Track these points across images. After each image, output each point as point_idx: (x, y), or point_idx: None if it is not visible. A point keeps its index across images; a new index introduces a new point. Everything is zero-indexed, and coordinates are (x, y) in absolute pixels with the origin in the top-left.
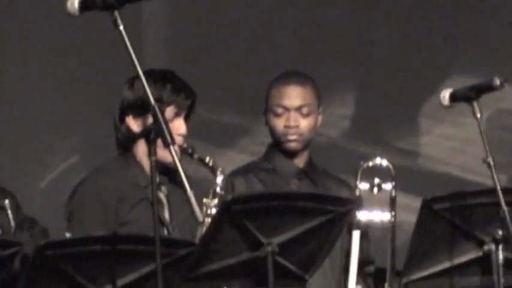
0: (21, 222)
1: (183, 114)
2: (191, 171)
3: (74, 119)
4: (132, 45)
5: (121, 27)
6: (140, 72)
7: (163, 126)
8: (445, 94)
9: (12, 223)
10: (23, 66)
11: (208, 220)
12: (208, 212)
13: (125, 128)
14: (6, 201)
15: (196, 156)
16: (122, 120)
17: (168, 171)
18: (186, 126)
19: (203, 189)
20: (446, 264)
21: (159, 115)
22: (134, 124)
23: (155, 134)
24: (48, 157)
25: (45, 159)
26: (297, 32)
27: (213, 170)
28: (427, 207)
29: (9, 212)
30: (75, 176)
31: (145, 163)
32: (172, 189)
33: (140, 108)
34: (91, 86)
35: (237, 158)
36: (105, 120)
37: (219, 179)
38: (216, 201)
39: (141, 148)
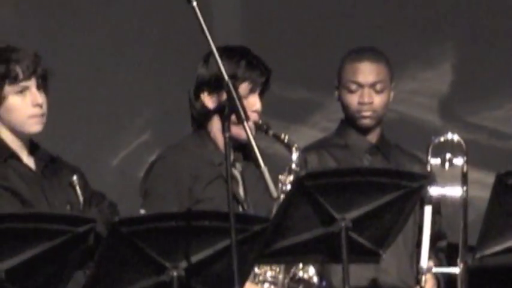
0: (90, 198)
1: (258, 90)
2: (266, 147)
3: (147, 96)
4: (204, 22)
5: (194, 3)
6: (214, 49)
7: (237, 102)
8: None
9: (81, 199)
10: (93, 42)
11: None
12: (284, 188)
13: (199, 104)
14: (74, 177)
15: (271, 132)
16: (197, 96)
17: (242, 148)
18: (260, 102)
19: (278, 166)
20: None
21: (233, 91)
22: (209, 101)
23: (229, 110)
24: (120, 134)
25: (117, 136)
26: (368, 7)
27: (288, 147)
28: (501, 182)
29: (77, 188)
30: (148, 153)
31: (220, 140)
32: (246, 166)
33: (215, 84)
34: (164, 63)
35: (309, 134)
36: (177, 96)
37: (295, 156)
38: (291, 177)
39: (215, 125)
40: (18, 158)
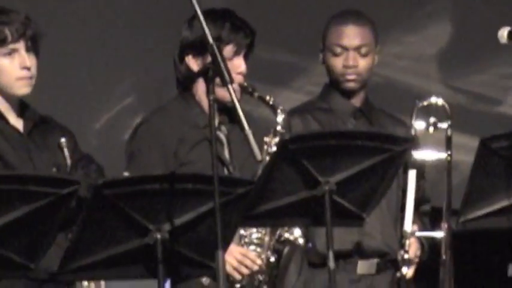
0: (77, 161)
1: (243, 52)
2: (250, 110)
3: (131, 60)
4: None
5: None
6: (198, 11)
7: (222, 64)
8: (503, 32)
9: (69, 162)
10: (78, 6)
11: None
12: (269, 150)
13: (184, 67)
14: (63, 139)
15: (256, 94)
16: (182, 59)
17: (228, 111)
18: (245, 64)
19: (262, 128)
20: (504, 203)
21: (217, 53)
22: (194, 63)
23: (213, 72)
24: (104, 98)
25: (101, 99)
26: None
27: (273, 109)
28: (485, 146)
29: (65, 150)
30: (131, 116)
31: (205, 103)
32: (232, 129)
33: (200, 47)
34: (148, 26)
35: (293, 98)
36: (162, 60)
37: (280, 118)
38: (276, 139)
39: (200, 88)
40: (4, 119)
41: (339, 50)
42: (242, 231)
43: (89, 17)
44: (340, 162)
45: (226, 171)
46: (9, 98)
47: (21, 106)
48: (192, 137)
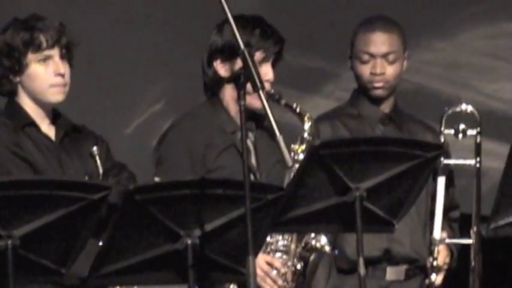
0: (109, 169)
1: (271, 60)
2: (277, 118)
3: (161, 65)
4: None
5: None
6: (230, 16)
7: (253, 70)
8: None
9: (101, 170)
10: (109, 10)
11: (297, 166)
12: (296, 157)
13: (212, 72)
14: (95, 148)
15: (283, 102)
16: (210, 64)
17: (254, 117)
18: (273, 72)
19: (289, 136)
20: None
21: (249, 59)
22: (222, 68)
23: (244, 78)
24: (134, 103)
25: (131, 105)
26: None
27: (300, 116)
28: None
29: (97, 158)
30: (162, 121)
31: (232, 108)
32: (258, 136)
33: (228, 52)
34: (179, 32)
35: (322, 104)
36: (192, 65)
37: (307, 125)
38: (303, 147)
39: (228, 93)
40: (36, 127)
41: (366, 57)
42: (268, 239)
43: (120, 24)
44: (371, 169)
45: (253, 178)
46: (43, 106)
47: (54, 114)
48: (219, 142)
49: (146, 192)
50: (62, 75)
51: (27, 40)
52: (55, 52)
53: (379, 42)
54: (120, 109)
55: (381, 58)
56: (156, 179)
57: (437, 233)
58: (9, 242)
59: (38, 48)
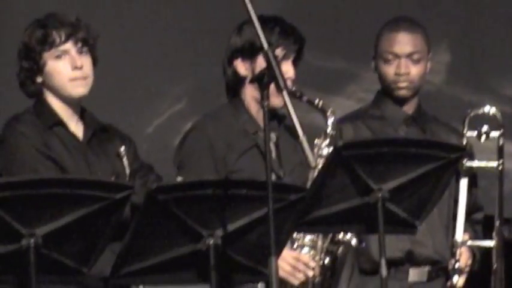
0: (136, 170)
1: (291, 58)
2: (299, 117)
3: (182, 64)
4: None
5: None
6: (253, 15)
7: (277, 70)
8: None
9: (127, 171)
10: (132, 10)
11: (320, 162)
12: (320, 152)
13: (232, 71)
14: (122, 148)
15: (305, 98)
16: (230, 63)
17: (276, 117)
18: (293, 70)
19: (312, 135)
20: None
21: (272, 59)
22: (242, 67)
23: (268, 78)
24: (155, 103)
25: (152, 104)
26: None
27: (323, 112)
28: None
29: (124, 159)
30: (182, 121)
31: (254, 109)
32: (280, 135)
33: (248, 51)
34: (201, 32)
35: (345, 105)
36: (213, 66)
37: (330, 120)
38: (327, 141)
39: (248, 93)
40: (64, 126)
41: (390, 57)
42: (295, 235)
43: (143, 23)
44: (393, 170)
45: (275, 178)
46: (68, 102)
47: (82, 114)
48: (241, 143)
49: (169, 192)
50: (80, 68)
51: (40, 38)
52: (70, 46)
53: (404, 42)
54: (141, 109)
55: (406, 58)
56: (179, 179)
57: (460, 235)
58: (32, 240)
59: (52, 45)
